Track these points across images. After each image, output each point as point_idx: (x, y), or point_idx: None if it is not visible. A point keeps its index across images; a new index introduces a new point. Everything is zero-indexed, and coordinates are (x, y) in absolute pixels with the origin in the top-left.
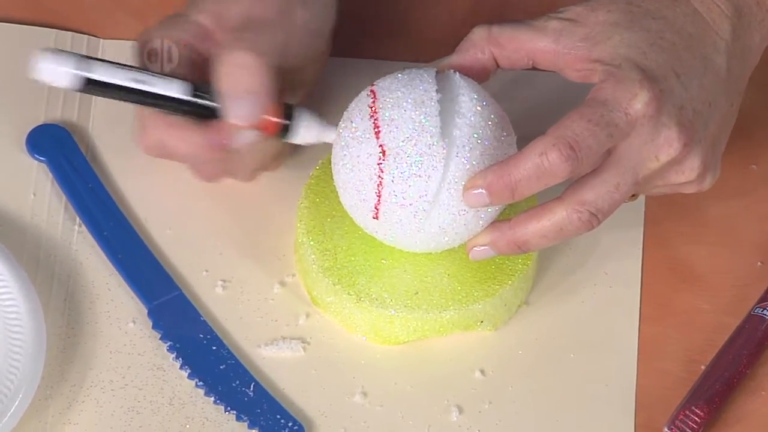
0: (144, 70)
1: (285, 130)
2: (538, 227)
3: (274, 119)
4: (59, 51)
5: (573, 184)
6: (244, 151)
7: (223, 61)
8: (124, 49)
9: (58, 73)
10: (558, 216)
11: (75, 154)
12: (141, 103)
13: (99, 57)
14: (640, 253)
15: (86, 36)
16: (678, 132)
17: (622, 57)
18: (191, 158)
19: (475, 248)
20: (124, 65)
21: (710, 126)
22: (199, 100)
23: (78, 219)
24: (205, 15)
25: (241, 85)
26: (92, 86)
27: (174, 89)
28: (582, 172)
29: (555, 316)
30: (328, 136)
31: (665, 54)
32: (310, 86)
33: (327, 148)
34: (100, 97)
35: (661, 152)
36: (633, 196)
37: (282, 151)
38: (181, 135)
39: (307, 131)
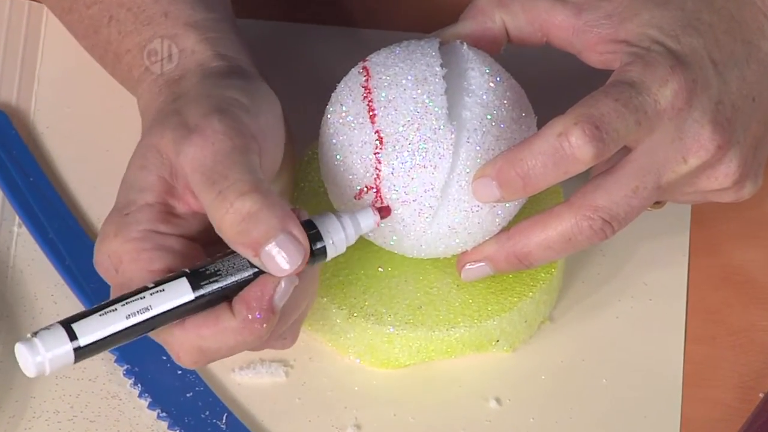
0: (127, 296)
1: (314, 254)
2: (542, 237)
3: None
4: (28, 340)
5: (583, 185)
6: (287, 310)
7: (224, 219)
8: None
9: (42, 362)
10: (566, 223)
11: (14, 142)
12: (146, 332)
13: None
14: (686, 260)
15: (28, 1)
16: (712, 131)
17: (651, 39)
18: (240, 348)
19: (467, 265)
20: (106, 305)
21: (752, 125)
22: (209, 289)
23: (17, 218)
24: (154, 181)
25: (264, 232)
26: (86, 353)
27: (176, 295)
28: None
29: (584, 334)
30: (365, 225)
31: (701, 38)
32: (285, 168)
33: (315, 132)
34: (45, 88)
35: (690, 154)
36: (658, 203)
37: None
38: (216, 331)
39: (340, 236)
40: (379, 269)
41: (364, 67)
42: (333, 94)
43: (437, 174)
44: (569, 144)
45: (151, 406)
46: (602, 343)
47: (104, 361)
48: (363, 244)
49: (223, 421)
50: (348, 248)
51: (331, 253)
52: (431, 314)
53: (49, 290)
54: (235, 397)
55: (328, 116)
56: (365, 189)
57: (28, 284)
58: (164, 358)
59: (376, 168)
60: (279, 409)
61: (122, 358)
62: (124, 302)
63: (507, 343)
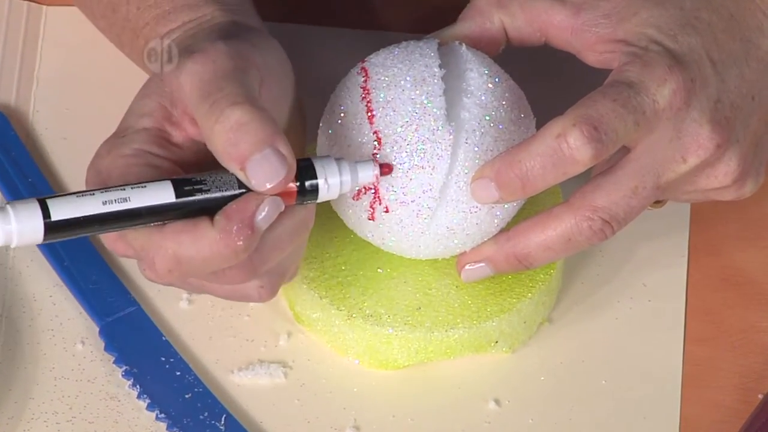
0: (109, 187)
1: (305, 191)
2: (541, 238)
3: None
4: (2, 208)
5: (582, 186)
6: (269, 244)
7: (214, 128)
8: (69, 16)
9: (11, 232)
10: (565, 224)
11: (12, 143)
12: (119, 228)
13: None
14: (686, 261)
15: (27, 2)
16: (711, 130)
17: (649, 38)
18: (215, 261)
19: (467, 266)
20: (86, 190)
21: (751, 123)
22: (192, 197)
23: None
24: (156, 97)
25: (250, 144)
26: (57, 231)
27: (157, 195)
28: (601, 166)
29: (583, 335)
30: (363, 177)
31: (700, 37)
32: (292, 140)
33: (313, 132)
34: (43, 89)
35: (689, 153)
36: (658, 202)
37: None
38: (194, 238)
39: (335, 180)
40: (379, 270)
41: (363, 68)
42: (332, 95)
43: (435, 175)
44: (568, 145)
45: (149, 407)
46: (601, 344)
47: (103, 362)
48: (362, 245)
49: (222, 422)
50: (347, 249)
51: (323, 194)
52: (430, 315)
53: (47, 291)
54: (234, 398)
55: (327, 116)
56: (363, 190)
57: (27, 285)
58: (163, 359)
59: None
60: (278, 411)
61: (121, 359)
62: (103, 190)
63: (506, 344)
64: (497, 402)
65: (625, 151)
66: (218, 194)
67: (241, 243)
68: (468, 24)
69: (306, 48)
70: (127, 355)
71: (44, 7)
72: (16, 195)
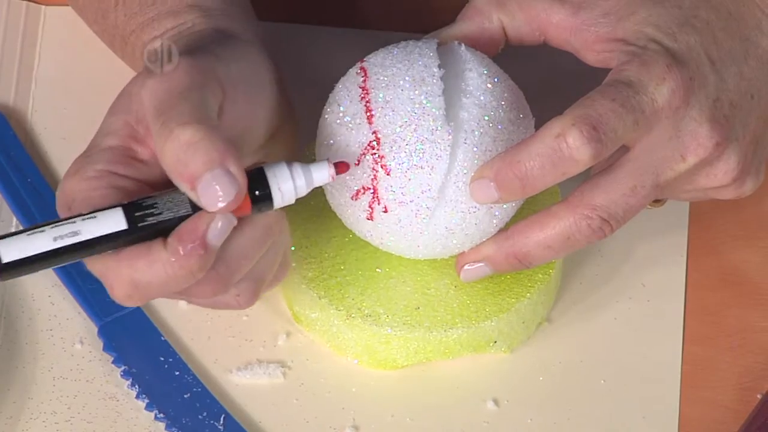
0: (59, 220)
1: (259, 200)
2: (541, 236)
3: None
4: None
5: (581, 184)
6: (234, 255)
7: (164, 147)
8: (67, 16)
9: None
10: (564, 223)
11: (11, 143)
12: (75, 259)
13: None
14: (684, 261)
15: (25, 2)
16: (710, 129)
17: (647, 37)
18: (172, 283)
19: (466, 266)
20: (35, 227)
21: (750, 122)
22: (144, 223)
23: (15, 219)
24: (118, 118)
25: (200, 164)
26: (11, 271)
27: (108, 224)
28: (601, 165)
29: (582, 335)
30: (319, 178)
31: (698, 35)
32: (281, 145)
33: (312, 132)
34: (42, 89)
35: (688, 152)
36: (658, 201)
37: (284, 245)
38: (149, 262)
39: (288, 185)
40: (377, 270)
41: (362, 68)
42: (330, 95)
43: (434, 175)
44: (567, 145)
45: (148, 407)
46: (600, 344)
47: (102, 361)
48: (361, 244)
49: (221, 422)
50: (346, 249)
51: (277, 201)
52: (429, 315)
53: (46, 291)
54: (233, 398)
55: (326, 116)
56: (362, 189)
57: (25, 285)
58: (162, 359)
59: (373, 169)
60: (277, 410)
61: (120, 358)
62: (53, 225)
63: (505, 344)
64: (496, 402)
65: (624, 149)
66: (171, 215)
67: (194, 262)
68: (467, 24)
69: (304, 47)
70: (125, 354)
71: (43, 6)
72: (15, 195)
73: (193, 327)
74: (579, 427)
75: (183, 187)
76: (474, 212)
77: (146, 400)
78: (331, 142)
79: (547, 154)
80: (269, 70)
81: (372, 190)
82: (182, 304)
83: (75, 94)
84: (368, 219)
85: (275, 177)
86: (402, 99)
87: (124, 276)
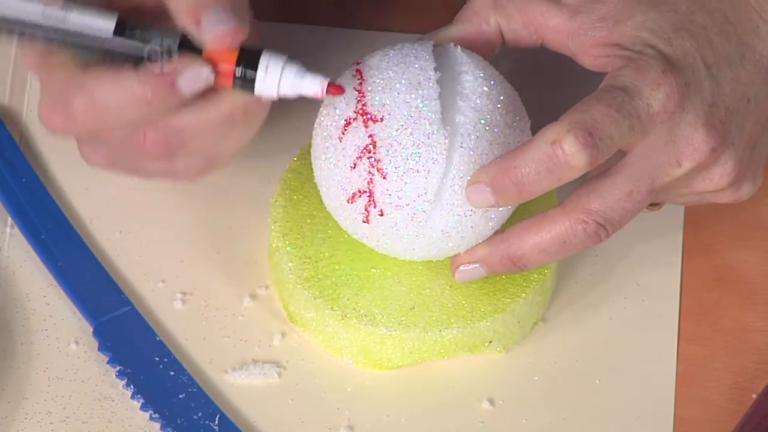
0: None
1: (245, 80)
2: (536, 240)
3: (231, 55)
4: None
5: (577, 189)
6: (189, 127)
7: None
8: None
9: None
10: (560, 227)
11: (6, 143)
12: (48, 41)
13: None
14: (680, 261)
15: None
16: (705, 134)
17: (643, 42)
18: (126, 110)
19: (461, 267)
20: None
21: (747, 126)
22: (132, 41)
23: (10, 219)
24: None
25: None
26: None
27: (99, 22)
28: (597, 169)
29: (577, 335)
30: (308, 86)
31: (694, 40)
32: None
33: (307, 134)
34: (37, 89)
35: (684, 157)
36: (654, 204)
37: (246, 124)
38: (114, 81)
39: (274, 75)
40: (373, 270)
41: (358, 70)
42: (326, 97)
43: (430, 179)
44: (563, 151)
45: (143, 407)
46: (595, 343)
47: (97, 362)
48: (356, 245)
49: (216, 422)
50: (341, 250)
51: (259, 85)
52: (424, 315)
53: (41, 291)
54: (228, 398)
55: (321, 119)
56: (358, 193)
57: (21, 285)
58: (157, 359)
59: (369, 172)
60: (272, 410)
61: (115, 359)
62: (47, 2)
63: (500, 344)
64: (491, 402)
65: (620, 154)
66: (156, 46)
67: (156, 95)
68: (464, 26)
69: (300, 47)
70: (120, 355)
71: None
72: (10, 196)
73: (188, 327)
74: (574, 426)
75: (186, 19)
76: (470, 215)
77: (141, 401)
78: (327, 145)
79: (543, 161)
80: None
81: (368, 194)
82: (177, 304)
83: None
84: (364, 222)
85: (266, 63)
86: (398, 103)
87: (87, 90)
